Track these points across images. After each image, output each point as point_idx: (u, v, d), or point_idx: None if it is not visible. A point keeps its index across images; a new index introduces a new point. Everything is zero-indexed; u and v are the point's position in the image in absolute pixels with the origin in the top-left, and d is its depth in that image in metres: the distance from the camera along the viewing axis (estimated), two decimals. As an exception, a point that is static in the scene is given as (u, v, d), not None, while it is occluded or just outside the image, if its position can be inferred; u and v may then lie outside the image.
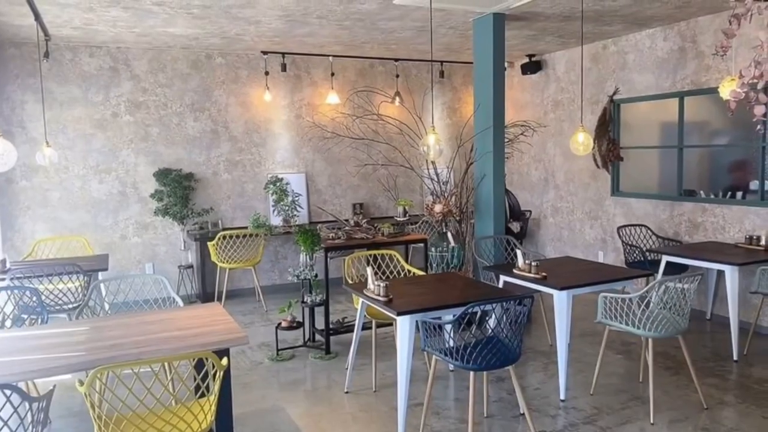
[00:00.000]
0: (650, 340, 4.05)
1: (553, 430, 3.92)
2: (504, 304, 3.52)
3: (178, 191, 7.27)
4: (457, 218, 6.18)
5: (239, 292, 7.76)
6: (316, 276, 5.43)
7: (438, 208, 5.76)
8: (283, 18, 5.85)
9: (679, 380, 4.63)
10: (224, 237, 6.85)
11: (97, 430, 2.61)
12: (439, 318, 3.88)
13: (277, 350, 5.38)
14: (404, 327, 3.70)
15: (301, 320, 5.55)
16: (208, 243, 6.92)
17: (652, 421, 3.94)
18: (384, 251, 5.32)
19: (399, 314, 3.63)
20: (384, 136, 8.14)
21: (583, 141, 5.26)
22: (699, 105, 6.53)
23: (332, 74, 8.12)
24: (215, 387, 2.76)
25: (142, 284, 4.39)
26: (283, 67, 7.74)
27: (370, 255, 5.26)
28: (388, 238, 5.69)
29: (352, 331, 4.83)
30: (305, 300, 5.45)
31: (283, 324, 5.42)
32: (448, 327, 3.84)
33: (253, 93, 7.82)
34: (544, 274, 4.52)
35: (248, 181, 7.90)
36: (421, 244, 5.97)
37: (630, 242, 6.64)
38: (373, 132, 8.19)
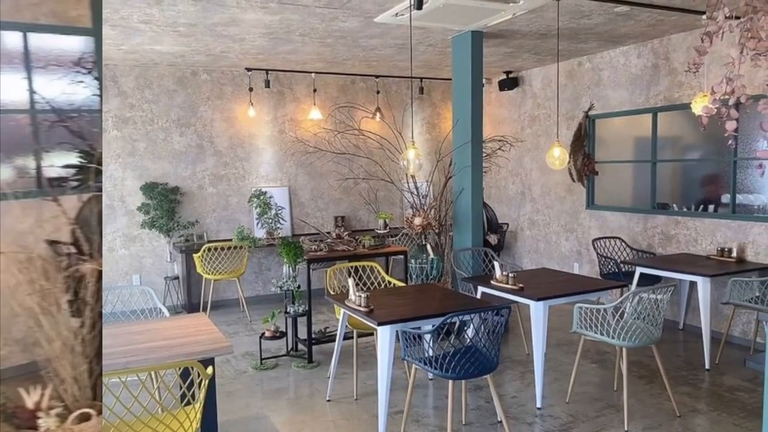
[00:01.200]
0: (624, 350, 4.11)
1: (529, 437, 3.99)
2: (482, 314, 3.58)
3: (164, 204, 7.32)
4: (437, 231, 6.25)
5: (224, 303, 7.80)
6: (298, 287, 5.49)
7: (418, 220, 5.83)
8: (267, 36, 5.94)
9: (653, 388, 4.70)
10: (209, 249, 6.90)
11: (86, 437, 2.65)
12: (419, 328, 3.92)
13: (261, 359, 5.42)
14: (385, 337, 3.75)
15: (284, 330, 5.60)
16: (194, 255, 6.96)
17: (626, 429, 4.00)
18: (365, 263, 5.39)
19: (380, 324, 3.68)
20: (365, 150, 8.27)
21: (559, 155, 5.31)
22: (672, 120, 6.62)
23: (314, 90, 8.22)
24: (200, 395, 2.78)
25: (129, 295, 4.43)
26: (267, 84, 7.82)
27: (352, 266, 5.33)
28: (369, 250, 5.73)
29: (334, 340, 4.85)
30: (288, 310, 5.51)
31: (267, 334, 5.46)
32: (428, 337, 3.88)
33: (238, 109, 7.90)
34: (521, 285, 4.56)
35: (233, 194, 7.96)
36: (402, 256, 6.03)
37: (605, 254, 6.72)
38: (355, 147, 8.28)
